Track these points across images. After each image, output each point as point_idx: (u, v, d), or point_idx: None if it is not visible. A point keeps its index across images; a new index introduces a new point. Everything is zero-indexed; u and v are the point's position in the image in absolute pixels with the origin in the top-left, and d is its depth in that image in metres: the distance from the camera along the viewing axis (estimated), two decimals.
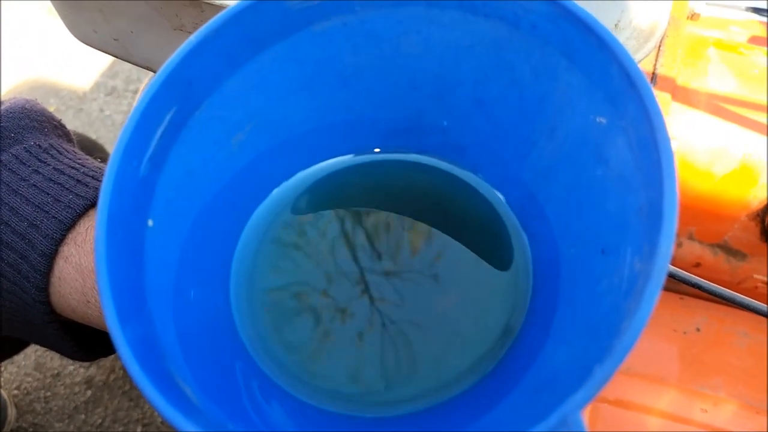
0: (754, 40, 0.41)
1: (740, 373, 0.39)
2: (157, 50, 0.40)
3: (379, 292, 0.21)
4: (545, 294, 0.19)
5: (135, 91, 0.92)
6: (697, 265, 0.40)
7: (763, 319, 0.39)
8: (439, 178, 0.23)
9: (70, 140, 0.30)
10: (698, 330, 0.40)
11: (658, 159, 0.15)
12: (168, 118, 0.19)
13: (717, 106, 0.36)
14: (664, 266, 0.14)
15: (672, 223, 0.14)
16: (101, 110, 0.93)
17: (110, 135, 0.90)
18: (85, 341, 0.28)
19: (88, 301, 0.24)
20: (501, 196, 0.22)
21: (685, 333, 0.40)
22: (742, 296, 0.28)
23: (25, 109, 0.28)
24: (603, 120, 0.18)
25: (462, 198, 0.23)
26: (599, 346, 0.15)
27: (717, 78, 0.38)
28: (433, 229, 0.22)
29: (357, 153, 0.24)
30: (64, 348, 0.28)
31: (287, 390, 0.20)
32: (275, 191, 0.23)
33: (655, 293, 0.14)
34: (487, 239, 0.22)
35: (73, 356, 0.28)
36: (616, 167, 0.17)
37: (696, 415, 0.38)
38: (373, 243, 0.22)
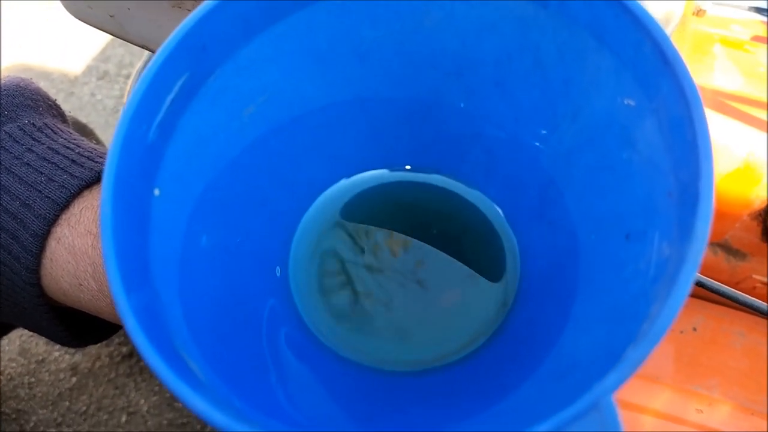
0: (756, 39, 0.41)
1: (736, 374, 0.39)
2: (154, 28, 0.39)
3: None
4: (563, 281, 0.19)
5: (127, 76, 0.91)
6: None
7: (760, 320, 0.39)
8: (442, 197, 0.24)
9: (64, 121, 0.30)
10: (695, 330, 0.40)
11: (694, 138, 0.15)
12: (180, 83, 0.18)
13: (722, 103, 0.36)
14: (700, 249, 0.14)
15: (709, 205, 0.14)
16: (92, 94, 0.91)
17: (101, 119, 0.88)
18: (76, 326, 0.27)
19: (80, 284, 0.23)
20: (500, 211, 0.23)
21: (681, 332, 0.40)
22: (746, 296, 0.28)
23: (20, 87, 0.27)
24: (631, 102, 0.17)
25: (462, 215, 0.24)
26: (625, 331, 0.15)
27: (722, 75, 0.38)
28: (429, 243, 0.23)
29: (370, 133, 0.23)
30: (54, 333, 0.27)
31: (318, 337, 0.21)
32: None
33: (690, 276, 0.13)
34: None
35: (63, 341, 0.28)
36: (644, 150, 0.17)
37: (691, 415, 0.38)
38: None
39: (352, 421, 0.18)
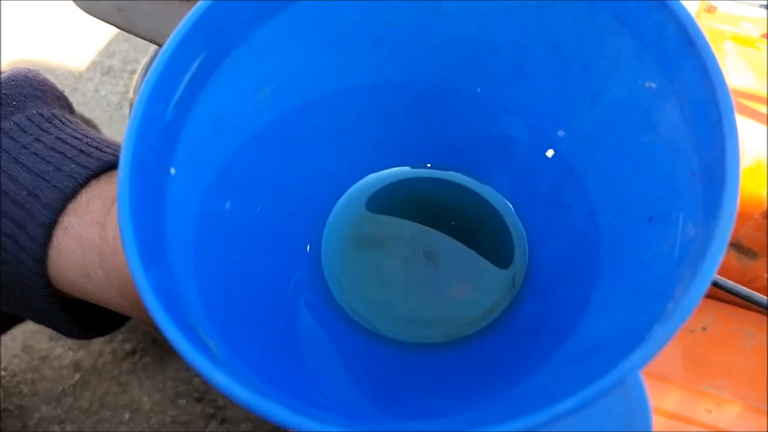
0: (765, 36, 0.41)
1: (746, 374, 0.38)
2: (162, 21, 0.39)
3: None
4: (583, 265, 0.19)
5: (132, 72, 0.91)
6: None
7: None
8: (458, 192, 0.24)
9: (72, 112, 0.30)
10: (704, 329, 0.40)
11: (719, 119, 0.14)
12: (197, 63, 0.18)
13: (734, 101, 0.36)
14: (728, 227, 0.13)
15: (735, 184, 0.14)
16: (96, 90, 0.91)
17: (105, 115, 0.88)
18: (83, 318, 0.27)
19: (88, 275, 0.23)
20: (509, 204, 0.23)
21: (691, 332, 0.40)
22: (756, 293, 0.28)
23: (28, 77, 0.27)
24: (652, 85, 0.17)
25: (475, 208, 0.24)
26: (648, 313, 0.15)
27: (734, 72, 0.38)
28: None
29: (384, 123, 0.23)
30: (60, 324, 0.27)
31: (343, 308, 0.22)
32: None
33: (718, 255, 0.13)
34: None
35: (70, 333, 0.28)
36: (665, 133, 0.17)
37: (700, 415, 0.38)
38: None
39: (372, 400, 0.18)
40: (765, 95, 0.36)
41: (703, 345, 0.39)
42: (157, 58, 0.17)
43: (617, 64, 0.18)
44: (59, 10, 0.97)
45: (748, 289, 0.28)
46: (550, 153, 0.21)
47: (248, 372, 0.16)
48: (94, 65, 0.93)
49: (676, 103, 0.16)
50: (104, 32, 0.95)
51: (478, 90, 0.21)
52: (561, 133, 0.20)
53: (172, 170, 0.18)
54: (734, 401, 0.38)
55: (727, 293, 0.28)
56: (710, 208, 0.14)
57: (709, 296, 0.40)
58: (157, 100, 0.17)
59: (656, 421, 0.38)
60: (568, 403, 0.12)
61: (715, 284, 0.28)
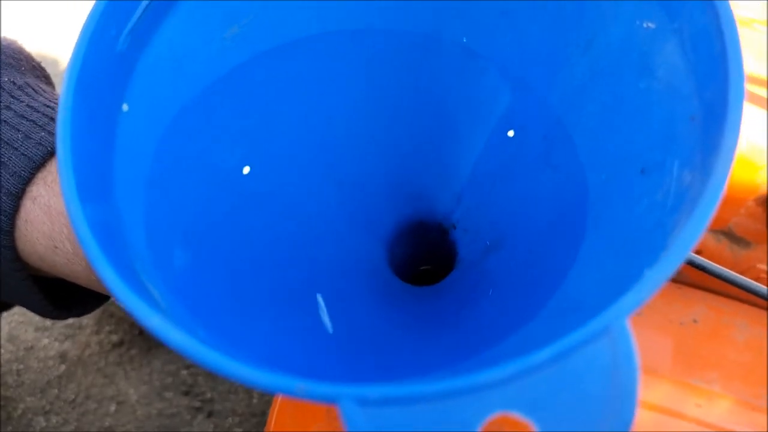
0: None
1: (737, 368, 0.37)
2: None
3: None
4: (569, 223, 0.17)
5: None
6: (699, 252, 0.39)
7: (763, 312, 0.37)
8: None
9: (49, 83, 0.29)
10: (695, 321, 0.39)
11: (723, 48, 0.13)
12: None
13: None
14: (728, 161, 0.12)
15: (738, 116, 0.12)
16: None
17: None
18: (57, 297, 0.26)
19: (56, 247, 0.22)
20: None
21: (681, 324, 0.39)
22: (746, 279, 0.26)
23: (2, 45, 0.26)
24: (651, 25, 0.16)
25: None
26: (639, 263, 0.13)
27: None
28: None
29: (363, 75, 0.22)
30: (32, 301, 0.25)
31: None
32: None
33: (718, 192, 0.12)
34: None
35: (43, 311, 0.26)
36: (664, 77, 0.15)
37: (690, 409, 0.36)
38: None
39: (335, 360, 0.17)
40: (764, 78, 0.35)
41: (693, 337, 0.38)
42: None
43: (614, 4, 0.17)
44: (58, 5, 0.96)
45: (746, 279, 0.27)
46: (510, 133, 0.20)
47: (195, 323, 0.14)
48: None
49: (676, 41, 0.15)
50: None
51: (464, 40, 0.20)
52: (550, 81, 0.18)
53: (125, 106, 0.16)
54: (725, 395, 0.36)
55: (720, 284, 0.27)
56: (709, 148, 0.13)
57: (700, 287, 0.39)
58: (109, 24, 0.15)
59: (644, 416, 0.36)
60: (546, 352, 0.11)
61: (712, 273, 0.27)
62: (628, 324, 0.11)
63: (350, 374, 0.16)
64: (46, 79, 0.29)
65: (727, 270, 0.28)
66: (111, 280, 0.12)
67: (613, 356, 0.11)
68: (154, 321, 0.12)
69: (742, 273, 0.38)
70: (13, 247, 0.22)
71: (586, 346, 0.11)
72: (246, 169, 0.20)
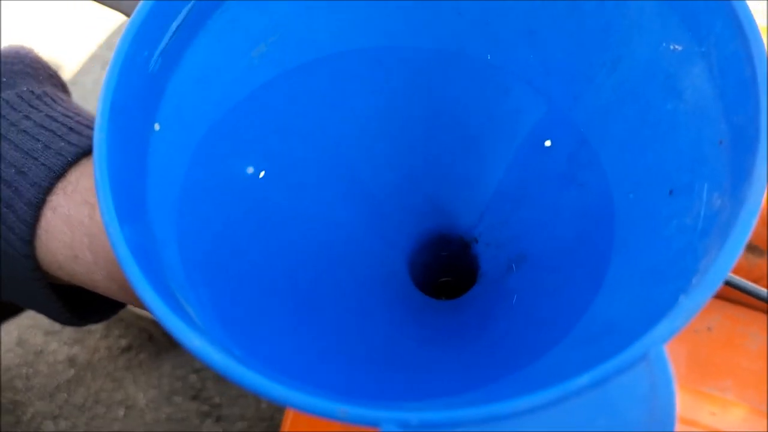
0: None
1: (751, 376, 0.37)
2: None
3: None
4: (595, 245, 0.17)
5: None
6: None
7: None
8: None
9: (65, 91, 0.29)
10: (710, 329, 0.39)
11: (753, 75, 0.13)
12: (185, 11, 0.17)
13: None
14: (761, 191, 0.12)
15: None
16: (96, 83, 0.89)
17: None
18: (74, 304, 0.26)
19: (76, 256, 0.22)
20: None
21: (695, 332, 0.39)
22: (765, 290, 0.26)
23: (20, 54, 0.27)
24: (678, 47, 0.16)
25: None
26: (670, 287, 0.13)
27: None
28: None
29: (386, 90, 0.22)
30: (50, 308, 0.26)
31: None
32: None
33: (751, 220, 0.12)
34: None
35: (60, 318, 0.27)
36: (691, 99, 0.16)
37: (704, 417, 0.36)
38: None
39: (369, 380, 0.17)
40: None
41: (707, 345, 0.38)
42: (142, 2, 0.16)
43: (640, 26, 0.17)
44: (59, 3, 0.97)
45: (760, 287, 0.27)
46: (548, 143, 0.20)
47: (230, 342, 0.14)
48: (93, 58, 0.92)
49: (704, 65, 0.15)
50: (104, 25, 0.94)
51: (488, 57, 0.20)
52: (575, 101, 0.19)
53: (157, 126, 0.17)
54: (739, 403, 0.36)
55: (734, 292, 0.27)
56: (739, 174, 0.13)
57: (714, 295, 0.39)
58: (141, 46, 0.16)
59: None
60: (585, 378, 0.11)
61: (727, 282, 0.27)
62: (666, 350, 0.11)
63: (380, 393, 0.16)
64: (63, 87, 0.29)
65: (742, 279, 0.28)
66: (152, 302, 0.12)
67: (650, 383, 0.11)
68: (195, 343, 0.12)
69: (756, 281, 0.39)
70: (32, 257, 0.22)
71: (625, 372, 0.11)
72: (262, 175, 0.20)
